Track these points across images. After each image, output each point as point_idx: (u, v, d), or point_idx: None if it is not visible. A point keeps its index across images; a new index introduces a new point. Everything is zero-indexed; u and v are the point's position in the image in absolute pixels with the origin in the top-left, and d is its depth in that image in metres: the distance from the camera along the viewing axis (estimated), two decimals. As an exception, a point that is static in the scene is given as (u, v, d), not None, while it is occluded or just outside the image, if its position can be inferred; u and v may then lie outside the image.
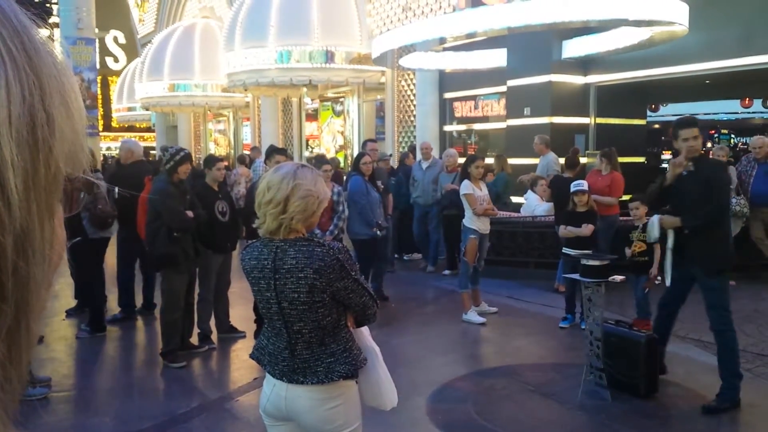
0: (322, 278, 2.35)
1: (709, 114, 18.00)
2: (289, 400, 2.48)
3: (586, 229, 6.47)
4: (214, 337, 6.34)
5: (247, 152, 15.99)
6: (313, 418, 2.46)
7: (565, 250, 6.64)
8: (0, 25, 0.42)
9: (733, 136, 20.05)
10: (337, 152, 16.22)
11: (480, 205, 6.80)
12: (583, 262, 5.01)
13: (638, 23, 8.50)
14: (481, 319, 6.82)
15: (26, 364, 0.46)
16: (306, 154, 17.12)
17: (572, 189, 6.62)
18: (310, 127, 17.74)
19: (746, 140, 17.48)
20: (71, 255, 6.65)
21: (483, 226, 6.91)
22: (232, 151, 20.36)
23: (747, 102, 16.55)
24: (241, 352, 6.16)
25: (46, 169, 0.43)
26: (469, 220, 6.86)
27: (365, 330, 2.66)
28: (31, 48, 0.44)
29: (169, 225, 5.65)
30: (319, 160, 7.25)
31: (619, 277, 5.04)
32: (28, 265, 0.43)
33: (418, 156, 10.38)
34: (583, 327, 6.18)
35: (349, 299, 2.45)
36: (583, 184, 6.69)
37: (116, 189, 6.82)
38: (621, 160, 10.30)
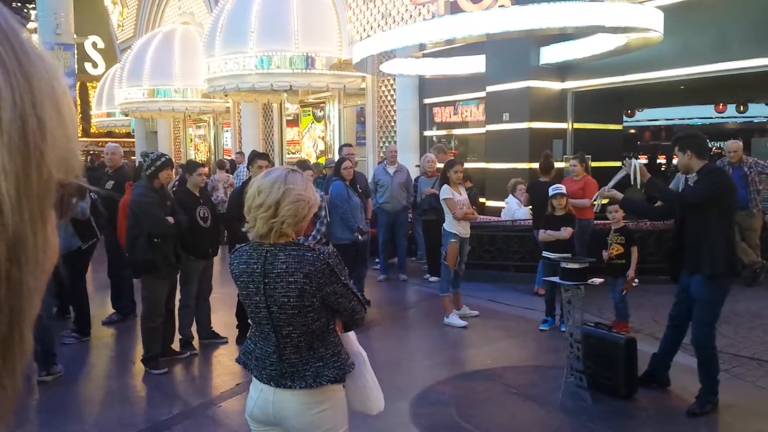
0: (312, 283, 2.37)
1: (683, 119, 18.25)
2: (277, 404, 2.49)
3: (566, 232, 6.55)
4: (195, 343, 6.31)
5: (228, 157, 15.91)
6: (300, 423, 2.47)
7: (545, 253, 6.72)
8: None
9: (707, 140, 20.35)
10: (318, 158, 16.22)
11: (460, 209, 6.85)
12: (563, 265, 5.08)
13: (614, 30, 8.63)
14: (463, 323, 6.87)
15: (20, 373, 0.45)
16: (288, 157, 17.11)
17: (551, 193, 6.70)
18: (290, 133, 17.73)
19: (720, 144, 17.76)
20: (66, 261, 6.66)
21: (463, 230, 6.96)
22: (213, 157, 20.27)
23: (721, 107, 16.81)
24: (223, 358, 6.15)
25: (38, 175, 0.42)
26: (450, 225, 6.92)
27: (352, 335, 2.68)
28: (21, 52, 0.42)
29: (149, 231, 5.63)
30: (301, 166, 7.27)
31: (598, 280, 5.11)
32: (22, 273, 0.42)
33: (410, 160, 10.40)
34: (563, 329, 6.25)
35: (338, 304, 2.47)
36: (561, 188, 6.78)
37: (94, 195, 6.82)
38: (598, 164, 10.44)
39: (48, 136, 0.43)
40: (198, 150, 22.56)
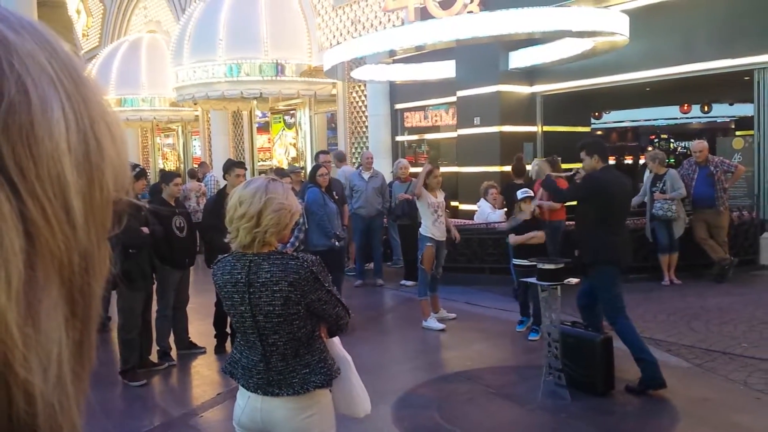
0: (296, 291, 2.39)
1: (649, 120, 18.62)
2: (265, 411, 2.50)
3: (539, 234, 6.60)
4: (173, 353, 6.26)
5: (196, 166, 15.81)
6: (289, 429, 2.49)
7: (514, 261, 6.72)
8: (51, 58, 0.43)
9: (672, 140, 20.81)
10: (290, 164, 16.19)
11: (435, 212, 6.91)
12: (539, 266, 5.15)
13: (581, 34, 8.79)
14: (441, 326, 6.91)
15: (89, 375, 0.47)
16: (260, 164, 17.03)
17: (519, 196, 6.71)
18: (261, 140, 17.66)
19: (685, 144, 18.17)
20: None
21: (439, 233, 7.01)
22: (182, 166, 20.08)
23: (686, 108, 17.19)
24: (202, 367, 6.11)
25: (100, 193, 0.45)
26: (425, 229, 6.96)
27: (337, 340, 2.70)
28: (77, 77, 0.45)
29: (124, 242, 5.58)
30: (279, 173, 7.26)
31: (574, 280, 5.20)
32: (91, 283, 0.45)
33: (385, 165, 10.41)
34: (530, 338, 6.34)
35: (323, 310, 2.49)
36: (530, 192, 6.83)
37: None
38: (567, 166, 10.62)
39: (105, 155, 0.45)
40: (167, 159, 22.33)
